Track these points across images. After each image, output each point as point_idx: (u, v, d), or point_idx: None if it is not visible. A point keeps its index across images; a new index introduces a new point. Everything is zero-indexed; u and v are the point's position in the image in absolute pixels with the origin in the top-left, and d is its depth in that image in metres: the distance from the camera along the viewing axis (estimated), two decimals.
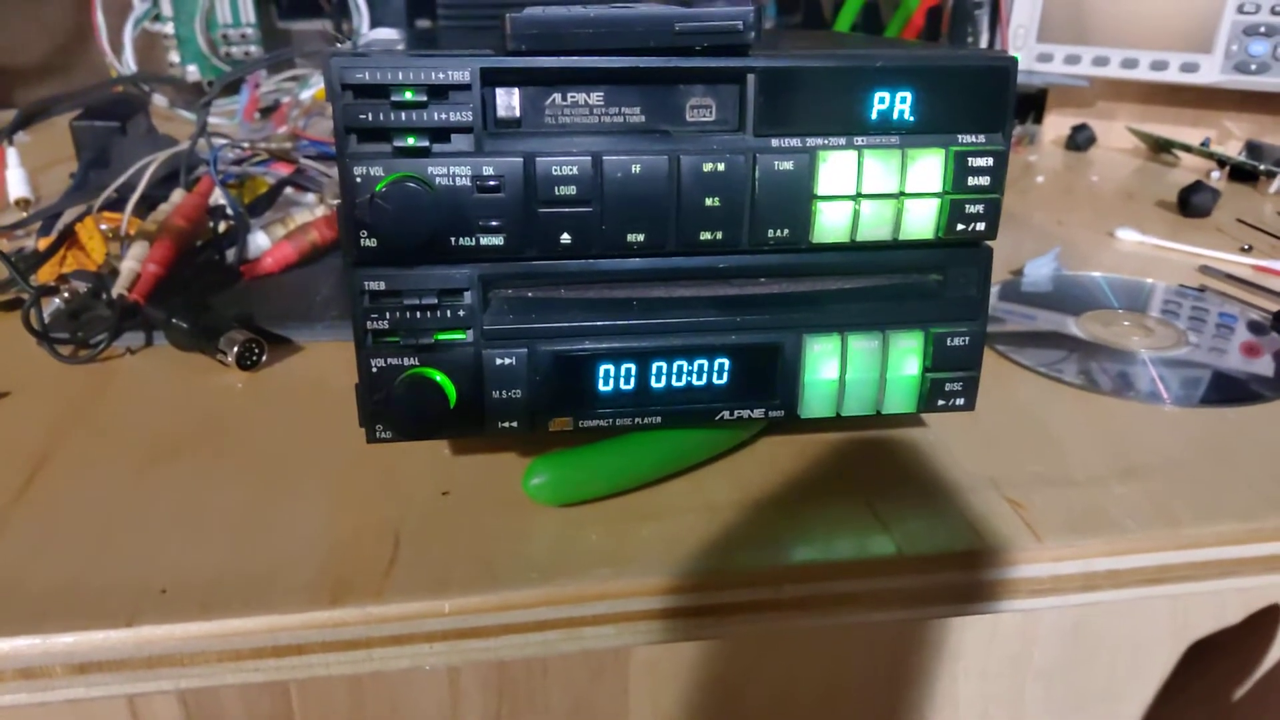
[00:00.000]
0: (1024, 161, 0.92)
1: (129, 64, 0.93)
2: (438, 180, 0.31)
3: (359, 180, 0.30)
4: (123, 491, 0.36)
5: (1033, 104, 1.01)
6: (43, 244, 0.54)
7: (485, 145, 0.31)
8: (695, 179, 0.32)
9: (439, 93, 0.30)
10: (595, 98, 0.32)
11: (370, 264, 0.32)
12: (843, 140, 0.33)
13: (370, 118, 0.30)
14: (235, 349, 0.44)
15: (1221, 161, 0.85)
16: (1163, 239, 0.67)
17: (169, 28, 0.96)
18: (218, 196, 0.57)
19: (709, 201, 0.33)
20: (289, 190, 0.64)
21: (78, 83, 0.86)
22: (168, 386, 0.44)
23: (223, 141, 0.64)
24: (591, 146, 0.32)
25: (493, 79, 0.31)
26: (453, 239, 0.32)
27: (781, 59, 0.32)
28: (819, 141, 0.33)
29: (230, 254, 0.55)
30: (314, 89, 0.90)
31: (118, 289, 0.48)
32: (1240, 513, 0.36)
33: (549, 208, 0.32)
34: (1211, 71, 0.85)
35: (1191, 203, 0.73)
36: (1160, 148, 0.93)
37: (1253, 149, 0.86)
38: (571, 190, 0.32)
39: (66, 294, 0.50)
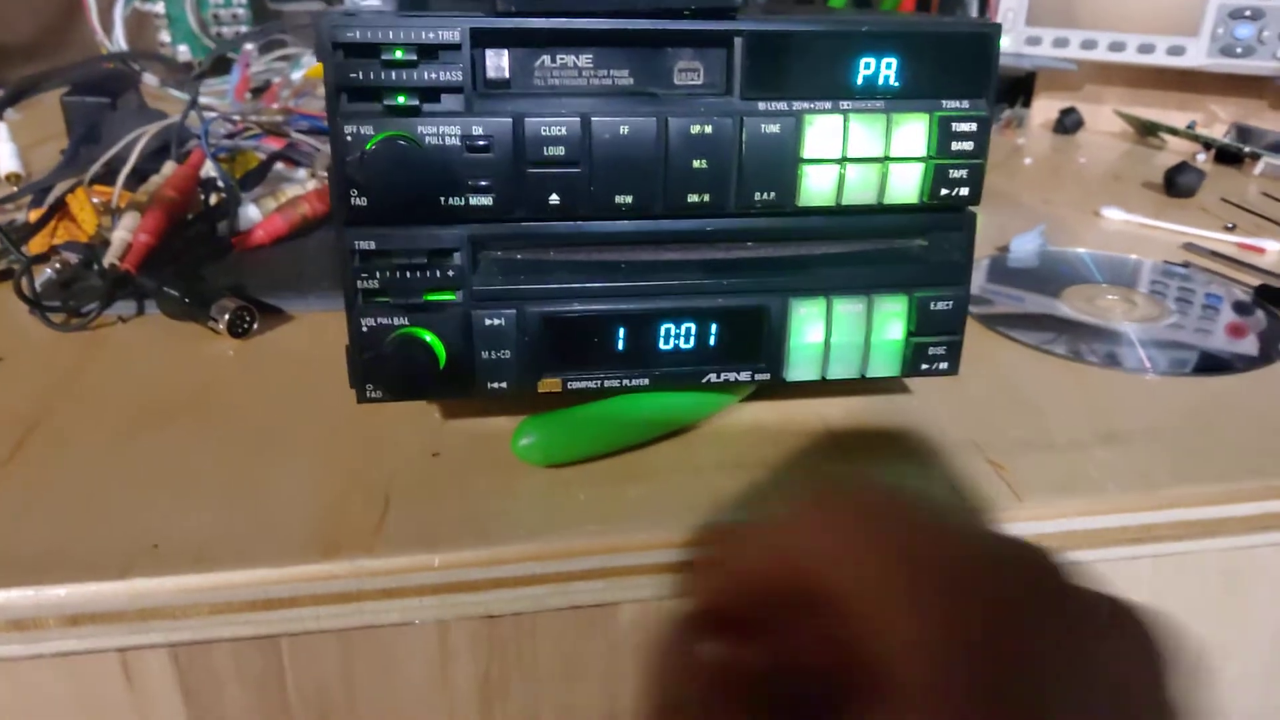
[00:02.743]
0: (1012, 144, 0.92)
1: (119, 43, 0.93)
2: (427, 139, 0.31)
3: (349, 139, 0.31)
4: (116, 454, 0.36)
5: (1021, 87, 1.02)
6: (34, 216, 0.54)
7: (475, 105, 0.31)
8: (683, 141, 0.33)
9: (429, 52, 0.31)
10: (584, 60, 0.32)
11: (361, 223, 0.32)
12: (829, 104, 0.34)
13: (361, 76, 0.30)
14: (227, 316, 0.45)
15: (1207, 144, 0.86)
16: (1148, 218, 0.68)
17: (159, 7, 0.96)
18: (209, 169, 0.57)
19: (696, 164, 0.33)
20: (280, 165, 0.64)
21: (68, 62, 0.85)
22: (160, 354, 0.45)
23: (214, 115, 0.64)
24: (580, 108, 0.32)
25: (483, 40, 0.31)
26: (442, 199, 0.32)
27: (768, 23, 0.33)
28: (805, 105, 0.34)
29: (221, 226, 0.55)
30: (304, 69, 0.90)
31: (109, 259, 0.48)
32: (1218, 475, 0.36)
33: (538, 168, 0.32)
34: (1198, 55, 0.85)
35: (1177, 183, 0.74)
36: (1147, 131, 0.94)
37: (1240, 131, 0.87)
38: (560, 151, 0.32)
39: (58, 264, 0.50)
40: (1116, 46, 0.88)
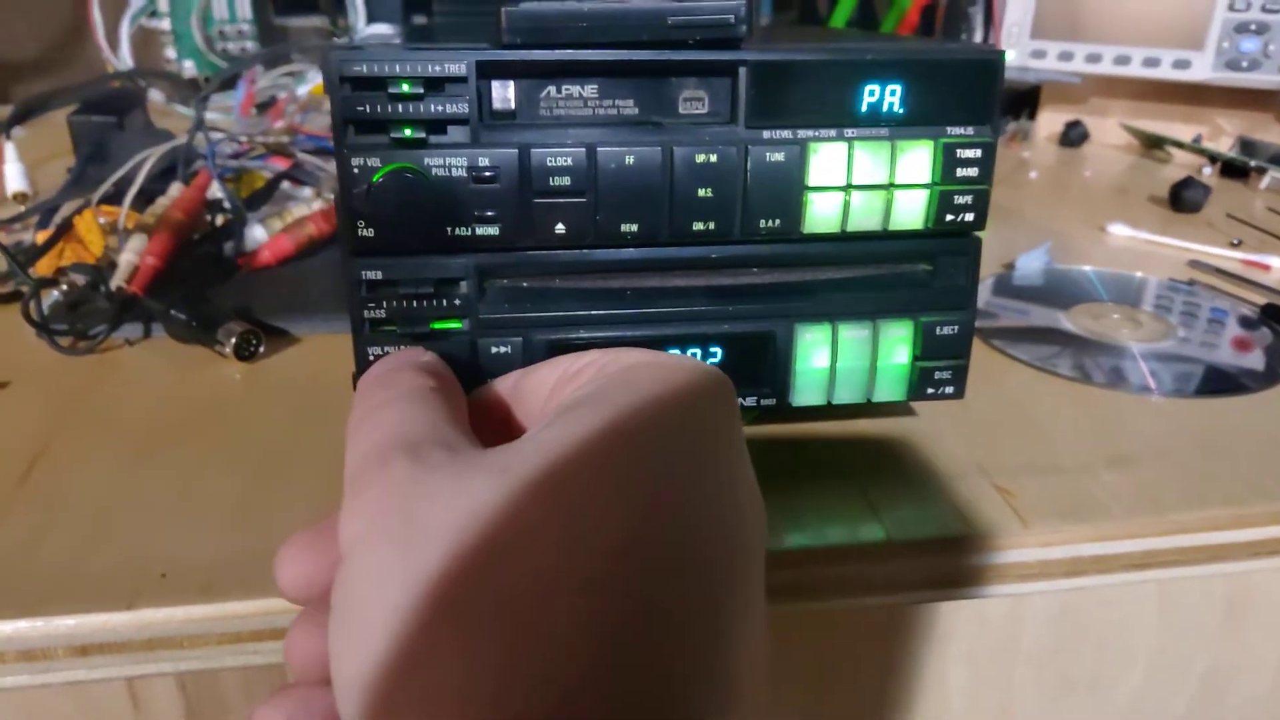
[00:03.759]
0: (1018, 157, 0.92)
1: (125, 60, 0.93)
2: (434, 171, 0.31)
3: (357, 171, 0.31)
4: (122, 479, 0.36)
5: (1026, 100, 1.02)
6: (41, 237, 0.54)
7: (481, 137, 0.32)
8: (688, 170, 0.33)
9: (436, 85, 0.31)
10: (589, 90, 0.32)
11: (368, 254, 0.32)
12: (833, 132, 0.34)
13: (368, 109, 0.30)
14: (233, 340, 0.45)
15: (1213, 157, 0.86)
16: (1153, 234, 0.68)
17: (165, 23, 0.96)
18: (215, 190, 0.57)
19: (702, 192, 0.33)
20: (285, 185, 0.64)
21: (74, 79, 0.86)
22: (166, 377, 0.45)
23: (220, 136, 0.64)
24: (586, 138, 0.32)
25: (488, 72, 0.31)
26: (449, 229, 0.32)
27: (773, 52, 0.33)
28: (810, 133, 0.34)
29: (228, 247, 0.56)
30: (310, 85, 0.90)
31: (116, 281, 0.48)
32: (1226, 499, 0.36)
33: (544, 198, 0.32)
34: (1203, 68, 0.85)
35: (1183, 198, 0.74)
36: (1153, 144, 0.94)
37: (1246, 145, 0.87)
38: (566, 181, 0.32)
39: (65, 286, 0.50)
40: (1122, 60, 0.88)
